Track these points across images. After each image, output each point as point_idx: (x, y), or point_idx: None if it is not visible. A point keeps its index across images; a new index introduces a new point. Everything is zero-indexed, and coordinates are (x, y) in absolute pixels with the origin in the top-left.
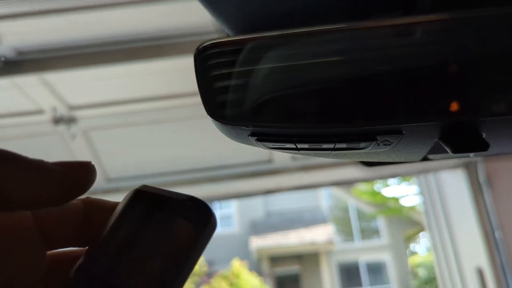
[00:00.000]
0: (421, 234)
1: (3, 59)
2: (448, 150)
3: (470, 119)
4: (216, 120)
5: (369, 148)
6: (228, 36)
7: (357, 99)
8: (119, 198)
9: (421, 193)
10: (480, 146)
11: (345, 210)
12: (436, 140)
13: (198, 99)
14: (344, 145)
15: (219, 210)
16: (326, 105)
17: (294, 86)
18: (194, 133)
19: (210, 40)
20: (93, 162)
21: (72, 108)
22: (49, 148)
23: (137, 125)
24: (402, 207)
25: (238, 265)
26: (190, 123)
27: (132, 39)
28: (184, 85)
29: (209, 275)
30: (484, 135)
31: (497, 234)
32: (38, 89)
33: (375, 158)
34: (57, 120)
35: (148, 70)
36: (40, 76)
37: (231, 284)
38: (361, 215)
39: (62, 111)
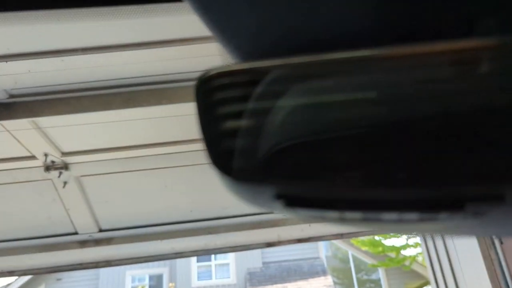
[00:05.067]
0: None
1: None
2: None
3: None
4: (226, 174)
5: (451, 220)
6: (239, 63)
7: (438, 148)
8: (110, 248)
9: (425, 245)
10: None
11: (345, 261)
12: None
13: (194, 146)
14: (415, 216)
15: (215, 260)
16: (390, 157)
17: (341, 128)
18: (190, 181)
19: (217, 68)
20: (85, 211)
21: (64, 154)
22: (39, 194)
23: (131, 172)
24: (404, 258)
25: None
26: (185, 170)
27: (128, 84)
28: (180, 131)
29: None
30: None
31: None
32: (30, 134)
33: (453, 232)
34: (48, 167)
35: (143, 115)
36: (32, 120)
37: None
38: (361, 266)
39: (54, 157)
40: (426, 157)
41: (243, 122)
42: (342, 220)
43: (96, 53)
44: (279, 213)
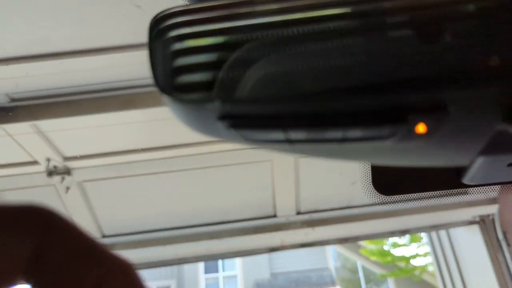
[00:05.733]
0: None
1: None
2: None
3: None
4: (172, 98)
5: (396, 137)
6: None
7: (378, 58)
8: None
9: (434, 253)
10: None
11: (354, 271)
12: (499, 125)
13: (198, 150)
14: (358, 133)
15: (222, 272)
16: (332, 70)
17: (285, 49)
18: (192, 185)
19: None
20: (87, 216)
21: (66, 159)
22: (42, 200)
23: (133, 177)
24: (414, 268)
25: None
26: (187, 174)
27: (129, 85)
28: (180, 134)
29: None
30: None
31: None
32: (32, 138)
33: (403, 159)
34: (51, 172)
35: (145, 117)
36: (33, 124)
37: None
38: (370, 277)
39: (56, 162)
40: (380, 68)
41: (199, 55)
42: (288, 142)
43: (96, 55)
44: (223, 138)
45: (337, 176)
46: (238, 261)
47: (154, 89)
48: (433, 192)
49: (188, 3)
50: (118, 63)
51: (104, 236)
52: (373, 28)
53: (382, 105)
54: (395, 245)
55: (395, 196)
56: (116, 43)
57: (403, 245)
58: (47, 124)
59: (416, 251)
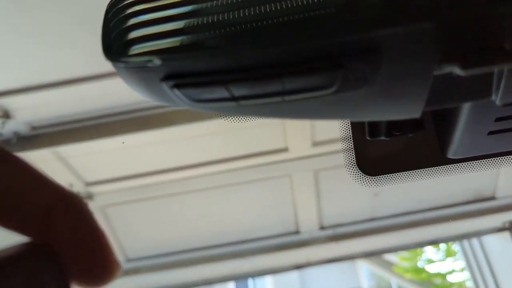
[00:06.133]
0: None
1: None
2: (457, 70)
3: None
4: (115, 62)
5: (336, 86)
6: None
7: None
8: (139, 279)
9: (468, 266)
10: (503, 55)
11: None
12: (437, 66)
13: (218, 168)
14: (298, 83)
15: None
16: (260, 16)
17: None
18: (214, 204)
19: None
20: (111, 240)
21: (88, 184)
22: None
23: (154, 199)
24: (451, 284)
25: None
26: (209, 194)
27: (146, 107)
28: (196, 153)
29: None
30: (507, 44)
31: None
32: (53, 165)
33: (353, 113)
34: None
35: (163, 138)
36: (54, 150)
37: None
38: None
39: (79, 187)
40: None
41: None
42: (233, 100)
43: (112, 79)
44: (171, 103)
45: (358, 188)
46: (268, 280)
47: (170, 109)
48: (423, 170)
49: None
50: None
51: (128, 260)
52: None
53: (316, 53)
54: (429, 261)
55: (383, 177)
56: None
57: (438, 260)
58: (67, 150)
59: (452, 267)
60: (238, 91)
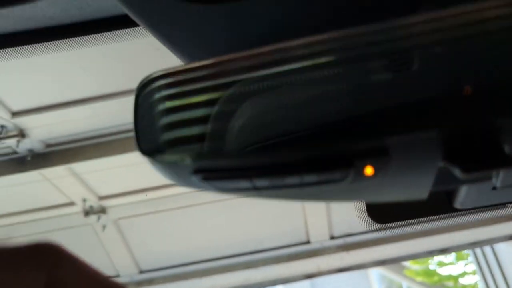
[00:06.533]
0: None
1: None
2: (457, 174)
3: (482, 121)
4: (151, 158)
5: (348, 179)
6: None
7: (321, 110)
8: None
9: (480, 271)
10: (501, 160)
11: None
12: (441, 163)
13: None
14: (314, 178)
15: None
16: (281, 123)
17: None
18: (226, 216)
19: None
20: (124, 253)
21: (101, 198)
22: (80, 240)
23: (166, 211)
24: (463, 286)
25: None
26: (221, 205)
27: None
28: None
29: None
30: (506, 147)
31: None
32: (68, 181)
33: (366, 196)
34: (87, 212)
35: None
36: (68, 167)
37: None
38: None
39: (92, 202)
40: (323, 118)
41: (182, 114)
42: (255, 190)
43: (123, 97)
44: (198, 189)
45: None
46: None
47: None
48: (429, 217)
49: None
50: None
51: (141, 272)
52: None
53: (331, 153)
54: (441, 264)
55: (390, 224)
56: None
57: (450, 263)
58: (81, 166)
59: (463, 269)
60: (260, 183)
